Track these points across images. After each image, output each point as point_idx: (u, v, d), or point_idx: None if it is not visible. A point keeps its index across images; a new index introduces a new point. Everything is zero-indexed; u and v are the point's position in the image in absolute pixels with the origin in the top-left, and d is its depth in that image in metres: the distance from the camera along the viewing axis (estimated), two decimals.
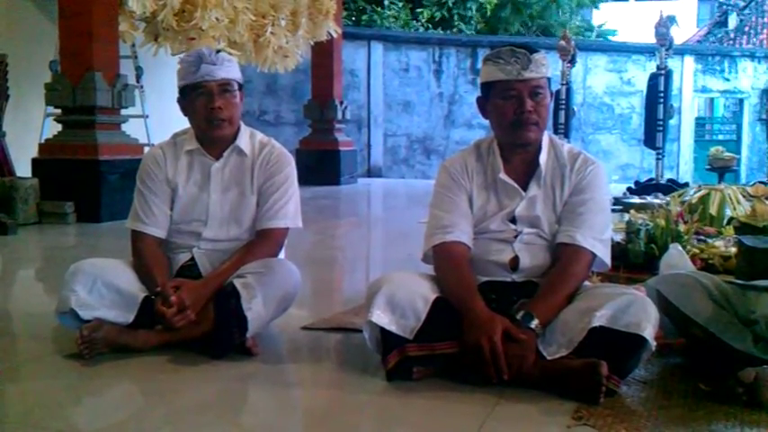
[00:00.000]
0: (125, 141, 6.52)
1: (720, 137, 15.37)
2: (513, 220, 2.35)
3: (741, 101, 15.07)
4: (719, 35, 22.89)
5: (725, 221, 4.52)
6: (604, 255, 2.32)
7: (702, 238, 4.04)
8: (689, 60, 14.21)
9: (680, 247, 3.36)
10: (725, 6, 24.35)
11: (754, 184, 5.70)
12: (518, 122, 2.28)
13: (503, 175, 2.36)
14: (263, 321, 2.46)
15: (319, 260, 4.70)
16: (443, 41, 13.73)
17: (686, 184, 7.42)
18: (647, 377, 2.24)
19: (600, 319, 2.06)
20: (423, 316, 2.15)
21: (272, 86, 12.59)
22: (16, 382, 2.31)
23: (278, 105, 12.77)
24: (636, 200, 6.60)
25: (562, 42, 8.28)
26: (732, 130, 15.48)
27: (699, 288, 2.28)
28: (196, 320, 2.41)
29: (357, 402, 2.11)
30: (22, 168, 6.61)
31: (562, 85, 8.32)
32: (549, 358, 2.10)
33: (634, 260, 3.61)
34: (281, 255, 2.74)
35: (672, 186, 7.43)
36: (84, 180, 6.11)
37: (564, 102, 8.27)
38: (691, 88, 14.28)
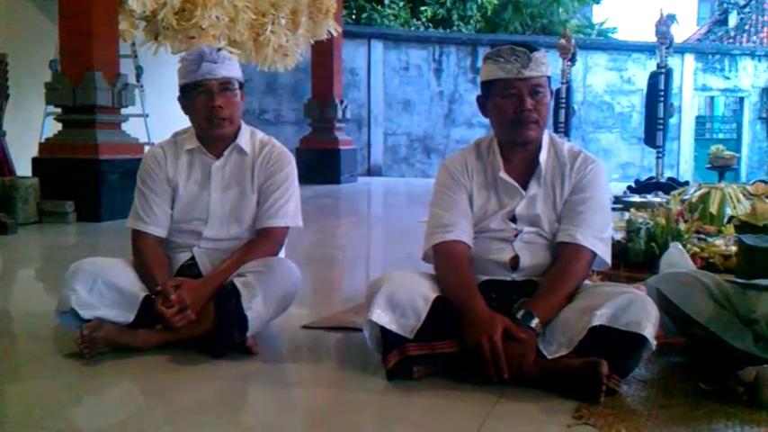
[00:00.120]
0: (125, 140, 6.52)
1: (721, 135, 15.35)
2: (514, 219, 2.35)
3: (741, 99, 15.06)
4: (720, 33, 22.89)
5: (725, 220, 4.52)
6: (605, 254, 2.32)
7: (703, 236, 4.04)
8: (689, 59, 14.20)
9: (680, 246, 3.36)
10: (725, 5, 24.33)
11: (755, 182, 5.70)
12: (518, 121, 2.28)
13: (503, 174, 2.36)
14: (263, 320, 2.46)
15: (319, 259, 4.70)
16: (443, 40, 13.72)
17: (686, 183, 7.42)
18: (648, 376, 2.24)
19: (600, 318, 2.06)
20: (423, 315, 2.15)
21: (272, 85, 12.59)
22: (16, 382, 2.31)
23: (278, 104, 12.77)
24: (636, 198, 6.59)
25: (562, 41, 8.27)
26: (732, 128, 15.47)
27: (699, 287, 2.28)
28: (196, 320, 2.41)
29: (357, 401, 2.11)
30: (23, 168, 6.61)
31: (562, 83, 8.32)
32: (549, 357, 2.10)
33: (634, 259, 3.61)
34: (282, 254, 2.73)
35: (672, 185, 7.43)
36: (85, 179, 6.11)
37: (564, 100, 8.27)
38: (691, 87, 14.28)
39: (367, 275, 4.34)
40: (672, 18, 8.04)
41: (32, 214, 6.03)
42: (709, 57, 14.48)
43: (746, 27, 22.34)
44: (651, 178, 8.26)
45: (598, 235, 2.30)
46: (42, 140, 6.66)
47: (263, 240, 2.62)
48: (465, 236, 2.33)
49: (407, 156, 13.37)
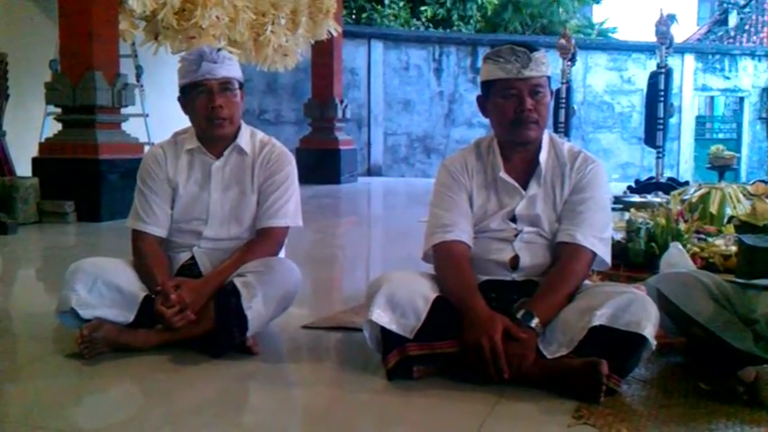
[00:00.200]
0: (125, 140, 6.51)
1: (721, 135, 15.34)
2: (514, 219, 2.35)
3: (741, 99, 15.05)
4: (720, 33, 22.88)
5: (725, 220, 4.52)
6: (605, 253, 2.32)
7: (703, 236, 4.04)
8: (689, 59, 14.20)
9: (680, 246, 3.36)
10: (725, 5, 24.33)
11: (755, 182, 5.69)
12: (518, 121, 2.28)
13: (503, 174, 2.36)
14: (263, 320, 2.46)
15: (319, 259, 4.70)
16: (443, 40, 13.72)
17: (686, 183, 7.41)
18: (648, 376, 2.24)
19: (600, 318, 2.06)
20: (423, 315, 2.15)
21: (272, 85, 12.58)
22: (16, 382, 2.31)
23: (278, 104, 12.77)
24: (636, 198, 6.59)
25: (562, 41, 8.26)
26: (732, 128, 15.46)
27: (699, 287, 2.28)
28: (196, 320, 2.41)
29: (357, 401, 2.11)
30: (22, 168, 6.61)
31: (562, 83, 8.31)
32: (549, 357, 2.10)
33: (634, 259, 3.61)
34: (282, 254, 2.74)
35: (672, 185, 7.42)
36: (85, 179, 6.11)
37: (564, 100, 8.26)
38: (691, 87, 14.27)
39: (367, 275, 4.34)
40: (672, 18, 8.04)
41: (32, 214, 6.03)
42: (710, 57, 14.47)
43: (746, 27, 22.34)
44: (651, 178, 8.25)
45: (598, 235, 2.30)
46: (42, 140, 6.66)
47: (263, 240, 2.62)
48: (465, 236, 2.33)
49: (407, 156, 13.37)
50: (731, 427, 1.88)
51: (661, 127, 8.02)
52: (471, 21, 16.94)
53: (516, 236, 2.33)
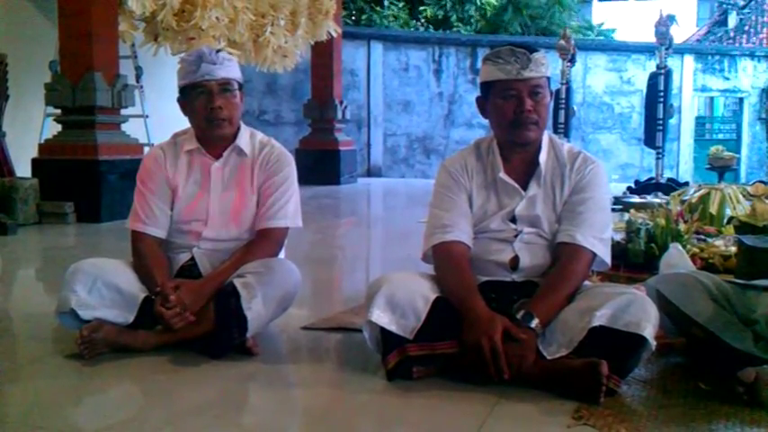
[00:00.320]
0: (125, 141, 6.52)
1: (720, 136, 15.35)
2: (513, 220, 2.35)
3: (741, 100, 15.06)
4: (719, 34, 22.87)
5: (725, 221, 4.52)
6: (604, 254, 2.32)
7: (702, 237, 4.04)
8: (689, 59, 14.20)
9: (680, 247, 3.36)
10: (725, 5, 24.35)
11: (754, 183, 5.69)
12: (518, 122, 2.28)
13: (503, 175, 2.36)
14: (262, 321, 2.46)
15: (319, 260, 4.70)
16: (443, 41, 13.72)
17: (686, 184, 7.42)
18: (648, 377, 2.24)
19: (600, 318, 2.06)
20: (423, 316, 2.15)
21: (271, 86, 12.59)
22: (16, 383, 2.31)
23: (278, 105, 12.77)
24: (636, 199, 6.59)
25: (562, 42, 8.26)
26: (732, 129, 15.46)
27: (699, 287, 2.28)
28: (196, 320, 2.41)
29: (357, 402, 2.11)
30: (22, 168, 6.61)
31: (562, 84, 8.32)
32: (549, 358, 2.10)
33: (634, 259, 3.61)
34: (281, 254, 2.73)
35: (672, 186, 7.43)
36: (84, 180, 6.11)
37: (564, 101, 8.27)
38: (690, 87, 14.28)
39: (367, 276, 4.34)
40: (671, 19, 8.05)
41: (32, 215, 6.03)
42: (709, 57, 14.48)
43: (746, 28, 22.33)
44: (651, 179, 8.26)
45: (598, 235, 2.30)
46: (42, 141, 6.66)
47: (263, 241, 2.62)
48: (465, 236, 2.33)
49: (407, 156, 13.37)
50: (731, 428, 1.88)
51: (661, 128, 8.03)
52: (471, 22, 16.95)
53: (516, 236, 2.33)
